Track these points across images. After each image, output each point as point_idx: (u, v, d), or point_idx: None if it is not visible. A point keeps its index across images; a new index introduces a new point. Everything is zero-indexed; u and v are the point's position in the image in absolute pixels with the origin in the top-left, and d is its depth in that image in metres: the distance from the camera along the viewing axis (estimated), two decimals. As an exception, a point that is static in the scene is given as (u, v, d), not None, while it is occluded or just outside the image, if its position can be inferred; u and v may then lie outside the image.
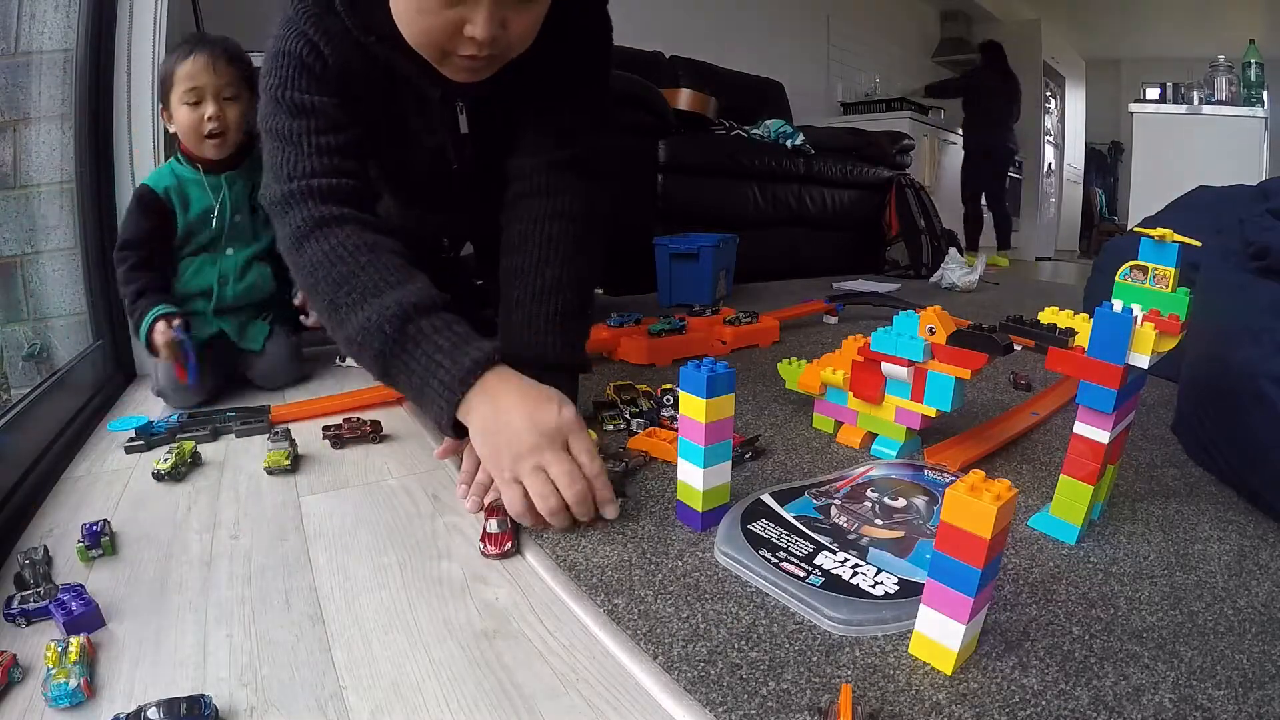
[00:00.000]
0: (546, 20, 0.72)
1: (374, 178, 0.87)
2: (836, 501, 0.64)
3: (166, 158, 1.16)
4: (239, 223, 1.05)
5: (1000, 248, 4.32)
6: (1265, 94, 4.06)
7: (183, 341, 0.95)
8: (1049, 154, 5.80)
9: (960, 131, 4.50)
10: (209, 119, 0.98)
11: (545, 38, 0.75)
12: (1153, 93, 4.34)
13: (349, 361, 1.21)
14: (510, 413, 0.62)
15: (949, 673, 0.43)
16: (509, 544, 0.60)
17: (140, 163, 1.17)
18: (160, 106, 1.02)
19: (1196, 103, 4.11)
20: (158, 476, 0.75)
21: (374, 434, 0.87)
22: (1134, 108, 4.19)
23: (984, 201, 4.42)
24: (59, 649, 0.44)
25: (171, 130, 1.03)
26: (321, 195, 0.70)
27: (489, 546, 0.60)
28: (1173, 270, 0.55)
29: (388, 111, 0.80)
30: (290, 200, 0.71)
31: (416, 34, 0.67)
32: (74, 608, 0.49)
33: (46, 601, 0.51)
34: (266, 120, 0.74)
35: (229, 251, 1.05)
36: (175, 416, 0.89)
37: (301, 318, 1.13)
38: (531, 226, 0.82)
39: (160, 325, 0.94)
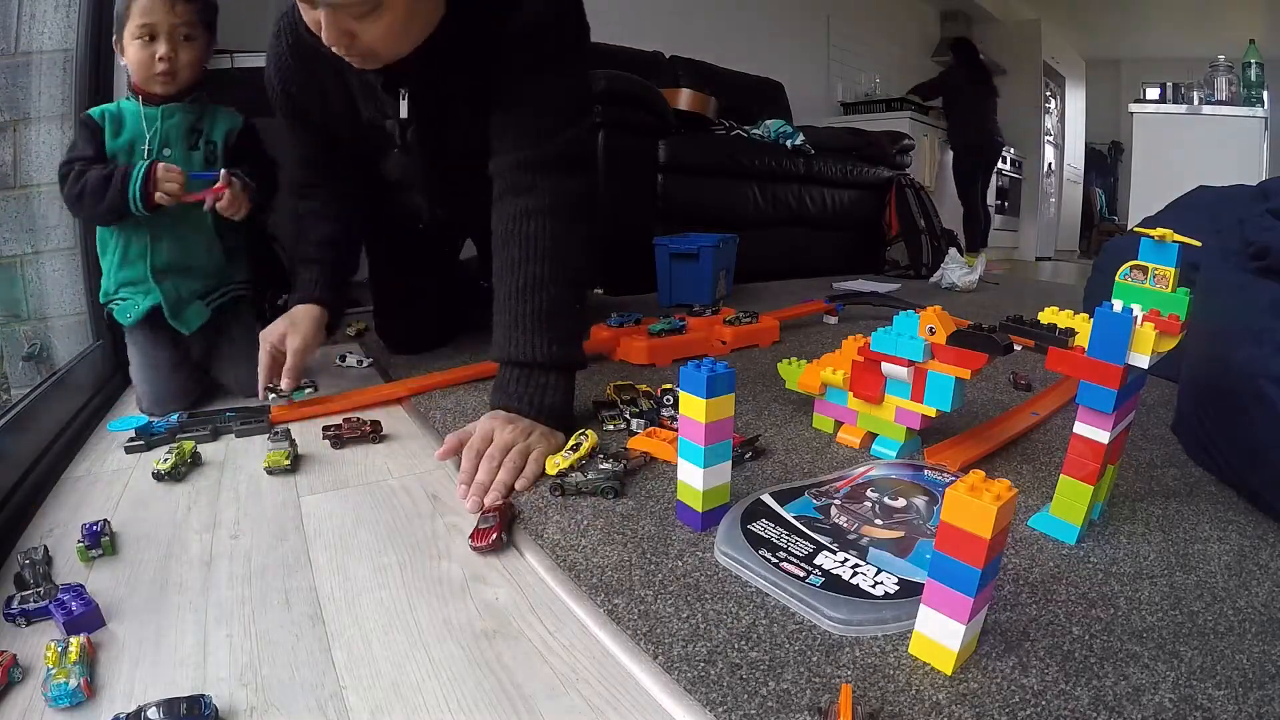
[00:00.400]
0: (486, 19, 0.79)
1: (347, 160, 1.07)
2: (836, 501, 0.64)
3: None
4: (168, 156, 0.96)
5: (977, 247, 4.23)
6: (1265, 94, 4.06)
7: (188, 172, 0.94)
8: (1049, 154, 5.80)
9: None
10: (160, 59, 0.93)
11: (483, 37, 0.81)
12: (1153, 93, 4.34)
13: (349, 361, 1.21)
14: None
15: (949, 673, 0.43)
16: (495, 536, 0.60)
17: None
18: (115, 38, 0.97)
19: (1196, 103, 4.10)
20: (158, 476, 0.75)
21: (374, 434, 0.87)
22: (1134, 108, 4.19)
23: (980, 200, 4.41)
24: (59, 649, 0.45)
25: (123, 64, 0.98)
26: (298, 184, 1.07)
27: (475, 540, 0.61)
28: (1173, 270, 0.55)
29: (342, 102, 0.96)
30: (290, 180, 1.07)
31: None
32: (74, 608, 0.49)
33: (46, 601, 0.51)
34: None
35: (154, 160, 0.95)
36: (175, 416, 0.89)
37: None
38: (511, 225, 0.84)
39: (157, 167, 0.91)
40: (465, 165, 0.94)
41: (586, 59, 0.94)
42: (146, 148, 0.95)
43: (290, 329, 0.96)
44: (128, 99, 0.98)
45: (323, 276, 1.02)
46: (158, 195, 0.91)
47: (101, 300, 1.03)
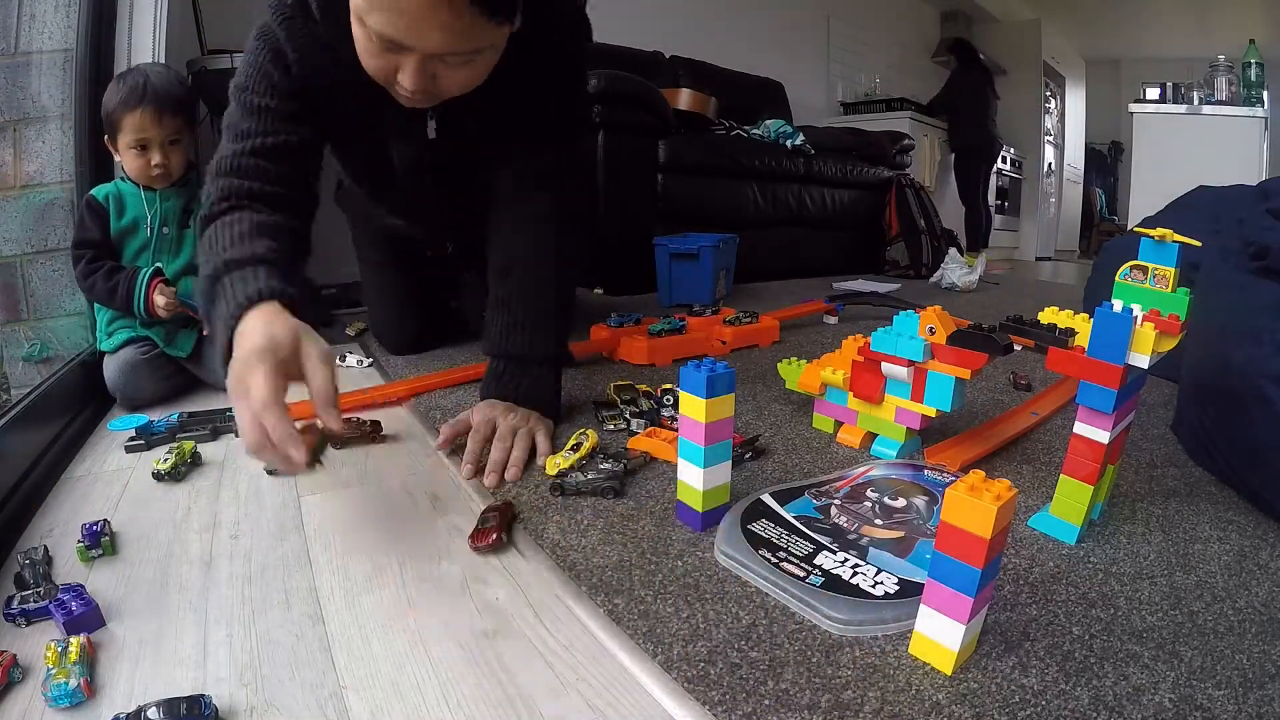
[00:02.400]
0: (515, 37, 0.74)
1: (352, 182, 0.99)
2: (836, 501, 0.64)
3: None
4: (166, 235, 1.08)
5: (979, 247, 4.23)
6: (1265, 94, 4.07)
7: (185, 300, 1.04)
8: (1049, 154, 5.79)
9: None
10: (155, 165, 1.05)
11: (514, 53, 0.77)
12: (1153, 93, 4.35)
13: (348, 361, 1.21)
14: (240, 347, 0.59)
15: (949, 673, 0.43)
16: (495, 536, 0.61)
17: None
18: (106, 137, 1.07)
19: (1196, 103, 4.11)
20: (158, 476, 0.75)
21: (374, 434, 0.87)
22: (1134, 108, 4.20)
23: (982, 199, 4.42)
24: (59, 649, 0.44)
25: (117, 160, 1.09)
26: (226, 193, 0.75)
27: (475, 540, 0.61)
28: (1173, 270, 0.55)
29: (361, 117, 0.85)
30: (211, 187, 0.76)
31: (366, 68, 0.70)
32: (74, 608, 0.49)
33: (46, 601, 0.51)
34: (227, 116, 0.81)
35: (158, 264, 1.07)
36: (175, 416, 0.89)
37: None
38: (517, 226, 0.88)
39: (159, 285, 1.02)
40: (477, 186, 0.94)
41: (586, 66, 0.97)
42: (145, 226, 1.07)
43: (284, 340, 0.58)
44: (122, 179, 1.08)
45: (282, 270, 0.67)
46: (158, 311, 1.02)
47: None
